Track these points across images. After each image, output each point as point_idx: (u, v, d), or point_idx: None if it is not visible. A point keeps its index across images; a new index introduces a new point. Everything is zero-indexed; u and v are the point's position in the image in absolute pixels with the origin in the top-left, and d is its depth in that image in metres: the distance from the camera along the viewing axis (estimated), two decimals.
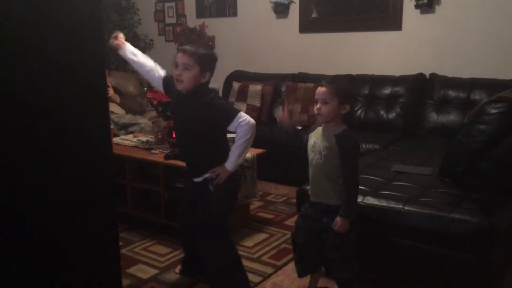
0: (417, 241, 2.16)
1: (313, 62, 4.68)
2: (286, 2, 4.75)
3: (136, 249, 2.85)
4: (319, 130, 2.10)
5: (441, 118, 3.79)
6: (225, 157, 2.19)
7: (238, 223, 3.04)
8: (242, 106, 4.59)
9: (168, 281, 2.50)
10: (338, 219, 2.01)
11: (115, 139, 3.47)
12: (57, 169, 1.53)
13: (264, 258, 2.72)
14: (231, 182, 2.23)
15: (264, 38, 5.03)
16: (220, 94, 4.85)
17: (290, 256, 2.73)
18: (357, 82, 4.24)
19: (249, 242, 2.90)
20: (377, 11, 4.33)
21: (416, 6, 4.07)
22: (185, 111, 2.19)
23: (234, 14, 5.21)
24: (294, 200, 2.58)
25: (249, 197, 3.10)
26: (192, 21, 5.46)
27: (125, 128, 4.17)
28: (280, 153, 3.82)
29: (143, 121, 4.28)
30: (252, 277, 2.45)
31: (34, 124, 1.45)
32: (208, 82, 2.18)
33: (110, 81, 4.68)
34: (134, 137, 3.58)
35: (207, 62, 2.14)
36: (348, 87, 2.10)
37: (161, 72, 2.37)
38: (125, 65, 5.81)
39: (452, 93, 3.80)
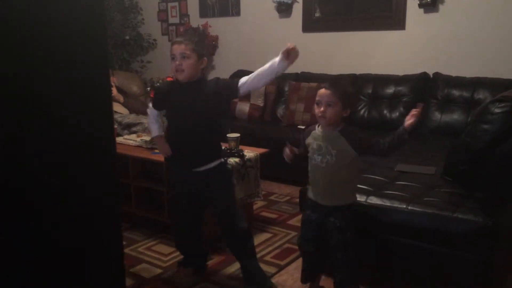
0: (420, 240, 2.16)
1: (316, 62, 4.67)
2: (289, 2, 4.75)
3: (140, 249, 2.86)
4: (317, 133, 2.08)
5: (444, 117, 3.78)
6: (220, 146, 2.35)
7: None
8: (245, 105, 4.59)
9: (172, 280, 2.50)
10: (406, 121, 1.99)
11: (119, 139, 3.48)
12: (61, 168, 1.53)
13: (267, 257, 2.72)
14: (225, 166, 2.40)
15: (267, 37, 5.03)
16: None
17: (293, 255, 2.73)
18: (360, 82, 4.24)
19: None
20: (380, 11, 4.33)
21: (420, 5, 4.06)
22: (191, 100, 2.22)
23: (237, 13, 5.21)
24: (297, 200, 2.58)
25: (252, 197, 3.10)
26: (195, 20, 5.47)
27: (129, 127, 4.17)
28: (283, 153, 3.81)
29: (147, 120, 4.28)
30: None
31: (37, 123, 1.45)
32: (205, 69, 2.27)
33: (113, 80, 4.69)
34: (138, 136, 3.58)
35: (202, 48, 2.25)
36: (351, 91, 2.09)
37: (152, 112, 2.45)
38: (128, 65, 5.83)
39: (455, 92, 3.79)
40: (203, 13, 5.46)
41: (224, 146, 2.56)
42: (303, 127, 4.17)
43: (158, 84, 3.16)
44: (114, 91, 4.52)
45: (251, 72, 2.23)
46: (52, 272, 1.56)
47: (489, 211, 2.09)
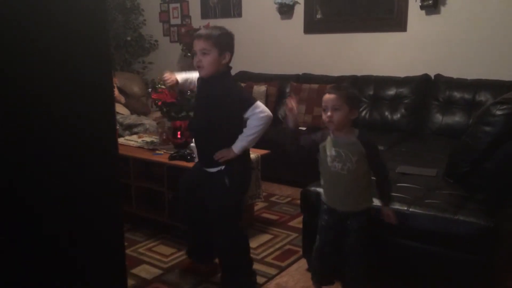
0: (422, 242, 2.16)
1: (318, 63, 4.68)
2: (291, 3, 4.75)
3: (140, 250, 2.86)
4: (333, 139, 2.06)
5: (446, 119, 3.78)
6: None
7: (242, 223, 3.03)
8: None
9: (173, 281, 2.50)
10: (388, 211, 2.09)
11: (120, 140, 3.48)
12: (63, 169, 1.53)
13: (268, 259, 2.72)
14: (245, 172, 2.29)
15: (268, 39, 5.03)
16: None
17: (294, 257, 2.73)
18: (361, 83, 4.24)
19: (253, 243, 2.90)
20: (382, 12, 4.32)
21: (421, 7, 4.06)
22: (205, 96, 2.20)
23: (239, 14, 5.21)
24: (298, 201, 2.57)
25: (253, 198, 3.10)
26: (197, 21, 5.47)
27: (130, 128, 4.19)
28: (284, 154, 3.80)
29: (148, 121, 4.30)
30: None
31: (39, 124, 1.45)
32: (229, 63, 2.17)
33: (115, 81, 4.70)
34: (139, 137, 3.59)
35: (224, 42, 2.13)
36: (355, 93, 2.10)
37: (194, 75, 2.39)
38: (129, 66, 5.83)
39: (457, 94, 3.78)
40: (204, 14, 5.46)
41: None
42: (304, 128, 4.17)
43: (159, 85, 3.17)
44: (116, 92, 4.53)
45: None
46: (53, 272, 1.56)
47: (491, 212, 2.09)
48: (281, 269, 2.60)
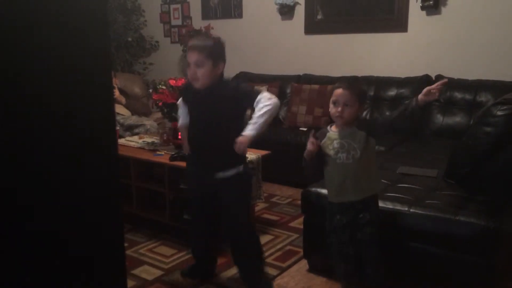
0: (422, 243, 2.16)
1: (319, 64, 4.68)
2: (292, 4, 4.76)
3: (141, 250, 2.86)
4: (333, 134, 2.06)
5: (446, 120, 3.78)
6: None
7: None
8: None
9: (173, 282, 2.50)
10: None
11: (121, 141, 3.49)
12: (62, 169, 1.53)
13: (269, 259, 2.72)
14: (249, 175, 2.35)
15: (269, 39, 5.03)
16: None
17: (295, 258, 2.73)
18: (362, 84, 4.24)
19: None
20: (382, 13, 4.33)
21: (422, 8, 4.06)
22: (211, 104, 2.16)
23: (240, 15, 5.22)
24: (299, 202, 2.57)
25: (254, 199, 3.10)
26: (198, 22, 5.48)
27: (131, 129, 4.19)
28: (285, 155, 3.82)
29: (149, 122, 4.30)
30: None
31: (38, 124, 1.45)
32: (222, 72, 2.18)
33: (116, 82, 4.70)
34: (140, 138, 3.59)
35: (217, 52, 2.14)
36: (365, 89, 2.17)
37: (182, 103, 2.39)
38: (130, 66, 5.84)
39: (458, 95, 3.78)
40: (205, 15, 5.46)
41: None
42: (305, 129, 4.17)
43: (160, 85, 3.17)
44: (116, 92, 4.53)
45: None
46: (52, 273, 1.56)
47: (492, 213, 2.09)
48: (282, 270, 2.60)
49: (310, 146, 2.04)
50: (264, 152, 3.11)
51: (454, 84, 3.84)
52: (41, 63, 1.44)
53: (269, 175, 3.65)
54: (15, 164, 1.41)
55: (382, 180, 2.51)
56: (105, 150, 1.68)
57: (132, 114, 4.64)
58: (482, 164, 2.30)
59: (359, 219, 2.08)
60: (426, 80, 4.02)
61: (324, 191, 2.25)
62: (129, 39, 5.66)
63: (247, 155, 2.38)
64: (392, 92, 4.10)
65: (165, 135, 3.34)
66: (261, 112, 2.09)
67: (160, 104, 3.22)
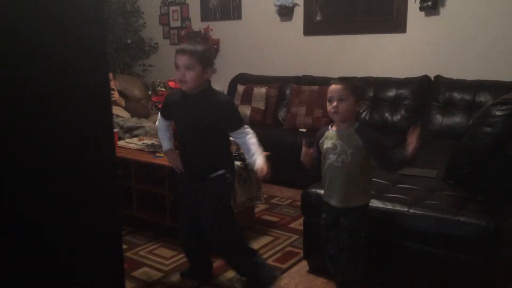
0: (422, 244, 2.16)
1: (318, 65, 4.68)
2: (291, 5, 4.76)
3: (141, 252, 2.86)
4: (331, 133, 2.06)
5: (446, 120, 3.78)
6: (228, 156, 2.34)
7: (242, 226, 3.04)
8: (247, 108, 4.60)
9: (173, 284, 2.50)
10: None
11: (121, 142, 3.48)
12: (61, 171, 1.53)
13: (269, 261, 2.71)
14: (232, 174, 2.33)
15: (268, 41, 5.04)
16: None
17: (295, 259, 2.73)
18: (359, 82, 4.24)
19: (253, 245, 2.89)
20: (381, 14, 4.33)
21: (421, 8, 4.06)
22: (195, 111, 2.21)
23: (239, 17, 5.22)
24: (299, 203, 2.57)
25: (253, 200, 3.10)
26: (197, 24, 5.48)
27: (130, 131, 4.18)
28: (285, 156, 3.81)
29: (148, 124, 4.29)
30: None
31: (37, 127, 1.45)
32: (209, 77, 2.22)
33: (115, 84, 4.69)
34: (139, 140, 3.58)
35: (207, 58, 2.18)
36: (361, 85, 2.10)
37: (161, 122, 2.44)
38: (130, 68, 5.84)
39: (457, 95, 3.78)
40: (204, 17, 5.47)
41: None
42: (304, 130, 4.17)
43: (159, 87, 3.17)
44: (116, 94, 4.53)
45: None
46: (50, 275, 1.56)
47: (492, 214, 2.08)
48: (282, 271, 2.60)
49: (302, 157, 2.12)
50: (263, 154, 3.10)
51: (453, 84, 3.84)
52: (37, 65, 1.44)
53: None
54: (13, 165, 1.41)
55: (382, 181, 2.52)
56: (103, 152, 1.68)
57: (132, 116, 4.63)
58: (481, 164, 2.30)
59: (340, 223, 2.08)
60: (425, 80, 4.03)
61: None
62: (129, 41, 5.66)
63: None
64: (392, 93, 4.11)
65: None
66: (257, 142, 2.26)
67: (160, 106, 3.21)
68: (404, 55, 4.25)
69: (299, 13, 4.78)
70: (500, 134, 2.22)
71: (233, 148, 2.93)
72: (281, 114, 4.60)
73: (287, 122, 4.40)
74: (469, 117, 3.62)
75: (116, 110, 4.31)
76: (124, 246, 2.68)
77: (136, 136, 3.96)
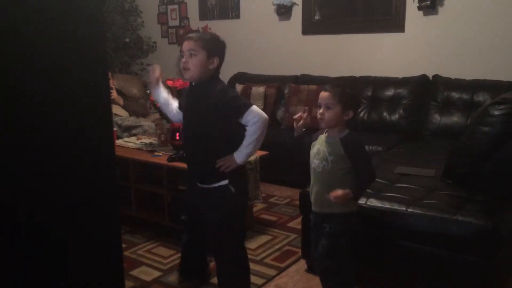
0: (421, 243, 2.16)
1: (316, 64, 4.68)
2: (289, 4, 4.76)
3: (140, 251, 2.86)
4: (321, 137, 2.05)
5: (444, 120, 3.78)
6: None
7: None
8: None
9: (172, 283, 2.50)
10: (337, 193, 1.88)
11: (119, 141, 3.48)
12: (59, 171, 1.53)
13: (267, 260, 2.72)
14: (243, 180, 2.20)
15: (267, 40, 5.04)
16: None
17: (293, 258, 2.73)
18: (360, 84, 4.24)
19: (252, 244, 2.90)
20: (380, 13, 4.33)
21: (419, 8, 4.06)
22: (196, 102, 2.09)
23: (237, 16, 5.22)
24: (297, 202, 2.57)
25: (252, 199, 3.10)
26: (195, 23, 5.47)
27: (129, 130, 4.18)
28: (283, 155, 3.82)
29: (147, 123, 4.29)
30: (255, 279, 2.45)
31: (35, 126, 1.45)
32: (217, 69, 2.09)
33: (113, 83, 4.69)
34: (138, 139, 3.58)
35: (213, 45, 2.05)
36: (352, 93, 2.01)
37: (175, 104, 2.31)
38: (128, 67, 5.83)
39: (455, 95, 3.79)
40: (203, 16, 5.46)
41: None
42: (304, 129, 4.16)
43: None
44: (114, 93, 4.52)
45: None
46: (50, 274, 1.56)
47: (490, 213, 2.09)
48: (280, 270, 2.60)
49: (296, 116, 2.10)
50: (262, 153, 3.11)
51: (451, 84, 3.85)
52: (36, 64, 1.44)
53: (267, 176, 3.65)
54: (12, 165, 1.41)
55: (380, 180, 2.52)
56: (102, 152, 1.68)
57: (130, 115, 4.62)
58: (480, 164, 2.30)
59: (323, 227, 2.04)
60: (423, 80, 4.03)
61: None
62: (127, 40, 5.65)
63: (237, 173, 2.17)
64: (390, 92, 4.11)
65: (163, 136, 3.33)
66: (251, 139, 2.07)
67: (158, 105, 3.21)
68: (403, 54, 4.25)
69: (297, 12, 4.78)
70: (498, 133, 2.22)
71: None
72: (280, 113, 4.60)
73: (285, 121, 4.40)
74: (467, 117, 3.62)
75: (114, 109, 4.30)
76: (123, 245, 2.67)
77: (134, 135, 3.96)
